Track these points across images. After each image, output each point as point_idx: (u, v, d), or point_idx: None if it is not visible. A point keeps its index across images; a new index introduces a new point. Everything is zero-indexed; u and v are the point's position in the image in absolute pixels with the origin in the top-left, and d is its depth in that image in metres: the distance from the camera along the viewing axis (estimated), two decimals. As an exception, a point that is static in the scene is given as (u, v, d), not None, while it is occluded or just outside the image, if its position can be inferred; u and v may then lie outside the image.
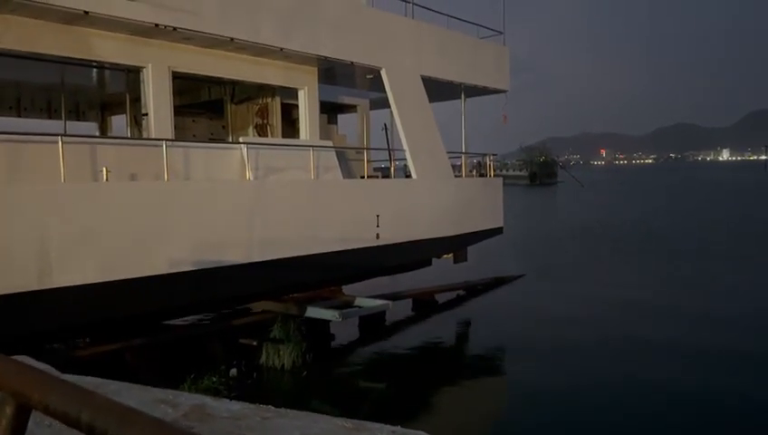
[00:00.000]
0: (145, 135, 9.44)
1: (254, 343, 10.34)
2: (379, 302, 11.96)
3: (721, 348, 10.87)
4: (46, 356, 7.09)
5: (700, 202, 46.14)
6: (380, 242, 11.73)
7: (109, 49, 8.74)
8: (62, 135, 7.88)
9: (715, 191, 60.24)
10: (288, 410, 3.09)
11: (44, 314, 7.58)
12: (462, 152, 15.27)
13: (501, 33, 15.38)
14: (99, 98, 13.78)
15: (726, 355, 10.44)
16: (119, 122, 14.30)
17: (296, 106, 11.84)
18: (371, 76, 12.66)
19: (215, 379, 8.83)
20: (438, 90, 13.99)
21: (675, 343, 11.17)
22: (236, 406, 2.95)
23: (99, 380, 3.69)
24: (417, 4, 13.16)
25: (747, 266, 19.08)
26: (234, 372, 9.50)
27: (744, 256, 20.95)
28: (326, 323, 11.32)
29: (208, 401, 3.05)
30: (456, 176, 14.94)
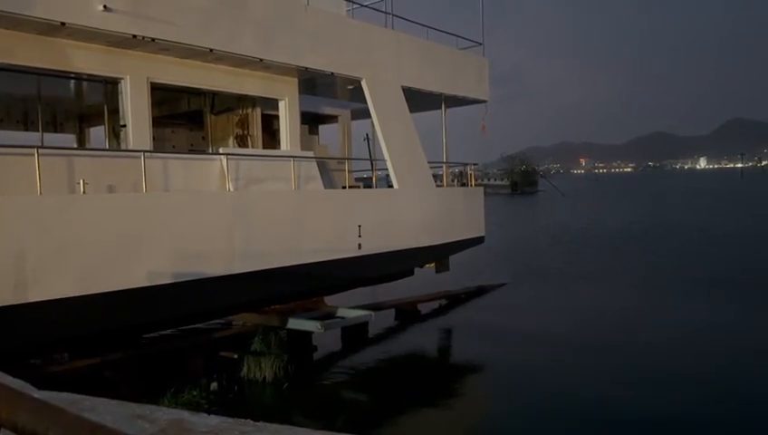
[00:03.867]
0: (123, 146, 9.35)
1: (235, 356, 10.24)
2: (361, 312, 11.93)
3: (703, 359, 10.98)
4: (23, 372, 6.96)
5: (682, 210, 46.70)
6: (362, 252, 11.71)
7: (86, 60, 8.67)
8: (38, 147, 7.79)
9: (695, 199, 61.07)
10: (268, 424, 3.05)
11: (21, 330, 7.44)
12: (443, 162, 15.35)
13: (480, 44, 15.53)
14: (77, 109, 13.64)
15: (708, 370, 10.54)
16: (97, 134, 14.16)
17: (277, 117, 11.82)
18: (352, 87, 12.69)
19: (195, 393, 8.73)
20: (419, 100, 14.06)
21: (653, 353, 11.26)
22: (215, 420, 2.90)
23: (75, 395, 3.62)
24: (397, 16, 13.26)
25: (733, 275, 19.32)
26: (214, 385, 9.39)
27: (730, 266, 21.22)
28: (308, 334, 11.26)
29: (186, 415, 3.00)
30: (437, 185, 15.00)
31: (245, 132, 12.20)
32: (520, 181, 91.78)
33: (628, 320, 13.72)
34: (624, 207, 53.22)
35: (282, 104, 11.57)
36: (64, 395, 3.54)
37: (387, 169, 12.99)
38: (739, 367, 10.24)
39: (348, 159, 14.13)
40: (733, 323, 13.26)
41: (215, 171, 10.05)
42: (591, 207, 55.19)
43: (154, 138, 9.73)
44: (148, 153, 8.94)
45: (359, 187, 14.30)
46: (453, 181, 18.21)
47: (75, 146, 13.96)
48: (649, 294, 16.50)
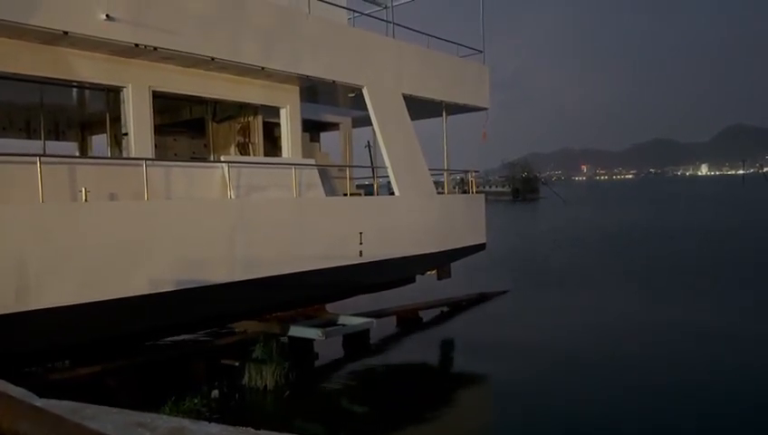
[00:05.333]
0: (125, 154, 9.38)
1: (237, 364, 10.23)
2: (362, 320, 11.92)
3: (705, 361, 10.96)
4: (24, 380, 6.97)
5: (685, 216, 46.63)
6: (364, 259, 11.71)
7: (88, 69, 8.71)
8: (40, 155, 7.82)
9: (700, 206, 61.04)
10: (269, 432, 3.05)
11: (23, 337, 7.45)
12: (444, 169, 15.37)
13: (481, 51, 15.59)
14: (79, 118, 13.69)
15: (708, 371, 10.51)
16: (99, 142, 14.22)
17: (278, 124, 11.86)
18: (353, 94, 12.73)
19: (196, 400, 8.72)
20: (420, 108, 14.10)
21: (656, 360, 11.24)
22: (215, 429, 2.91)
23: (76, 404, 3.62)
24: (397, 24, 13.33)
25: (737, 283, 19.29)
26: (216, 393, 9.38)
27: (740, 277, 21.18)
28: (309, 341, 11.25)
29: (187, 423, 3.01)
30: (438, 193, 15.01)
31: (247, 140, 12.24)
32: (521, 188, 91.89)
33: (631, 326, 13.67)
34: (626, 213, 53.16)
35: (283, 112, 11.61)
36: (65, 403, 3.54)
37: (388, 176, 13.02)
38: (742, 373, 10.21)
39: (349, 166, 14.16)
40: (736, 328, 13.23)
41: (216, 179, 10.08)
42: (593, 213, 55.17)
43: (156, 146, 9.76)
44: (150, 161, 8.96)
45: (360, 194, 14.32)
46: (454, 188, 18.21)
47: (77, 154, 14.01)
48: (652, 300, 16.46)
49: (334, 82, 11.61)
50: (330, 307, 12.84)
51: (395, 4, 13.81)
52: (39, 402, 3.08)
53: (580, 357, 11.46)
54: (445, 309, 15.85)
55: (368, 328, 12.11)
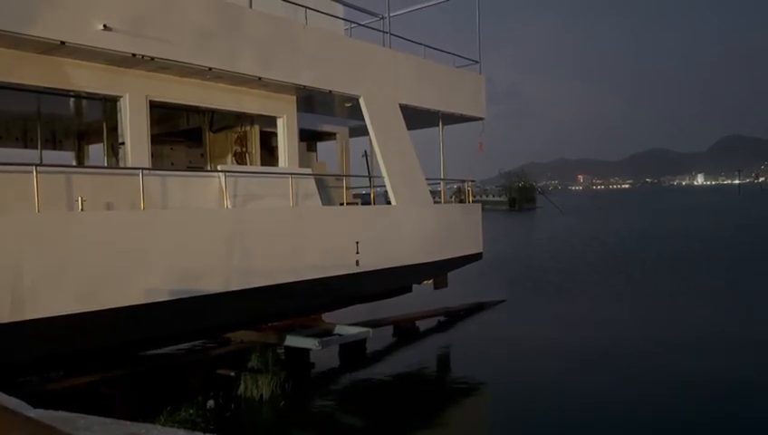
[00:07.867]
0: (122, 164, 9.38)
1: (233, 374, 10.19)
2: (359, 329, 11.89)
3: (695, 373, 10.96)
4: (18, 390, 6.93)
5: (686, 225, 46.73)
6: (360, 269, 11.71)
7: (85, 78, 8.72)
8: (36, 164, 7.81)
9: (700, 215, 61.19)
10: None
11: (17, 347, 7.41)
12: (441, 178, 15.40)
13: (477, 62, 15.67)
14: (75, 127, 13.70)
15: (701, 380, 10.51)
16: (96, 151, 14.21)
17: (275, 134, 11.88)
18: (350, 104, 12.77)
19: (192, 411, 8.67)
20: (416, 117, 14.14)
21: (653, 368, 11.23)
22: (211, 439, 2.90)
23: (69, 414, 3.60)
24: (394, 35, 13.39)
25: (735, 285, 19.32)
26: (211, 403, 9.34)
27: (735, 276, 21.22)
28: (306, 351, 11.22)
29: (182, 434, 3.00)
30: (435, 202, 15.03)
31: (244, 150, 12.26)
32: (518, 198, 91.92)
33: (628, 335, 13.66)
34: (623, 222, 53.26)
35: (280, 122, 11.63)
36: (59, 414, 3.53)
37: (385, 186, 13.03)
38: (740, 382, 10.22)
39: (345, 175, 14.18)
40: (733, 333, 13.24)
41: (213, 188, 10.08)
42: (590, 223, 55.24)
43: (153, 155, 9.76)
44: (147, 171, 8.96)
45: (357, 203, 14.33)
46: (451, 198, 18.25)
47: (74, 163, 14.01)
48: (648, 308, 16.46)
49: (331, 92, 11.65)
50: (326, 317, 12.81)
51: (392, 14, 13.89)
52: (32, 413, 3.07)
53: (577, 364, 11.45)
54: (442, 319, 15.84)
55: (364, 338, 12.08)
